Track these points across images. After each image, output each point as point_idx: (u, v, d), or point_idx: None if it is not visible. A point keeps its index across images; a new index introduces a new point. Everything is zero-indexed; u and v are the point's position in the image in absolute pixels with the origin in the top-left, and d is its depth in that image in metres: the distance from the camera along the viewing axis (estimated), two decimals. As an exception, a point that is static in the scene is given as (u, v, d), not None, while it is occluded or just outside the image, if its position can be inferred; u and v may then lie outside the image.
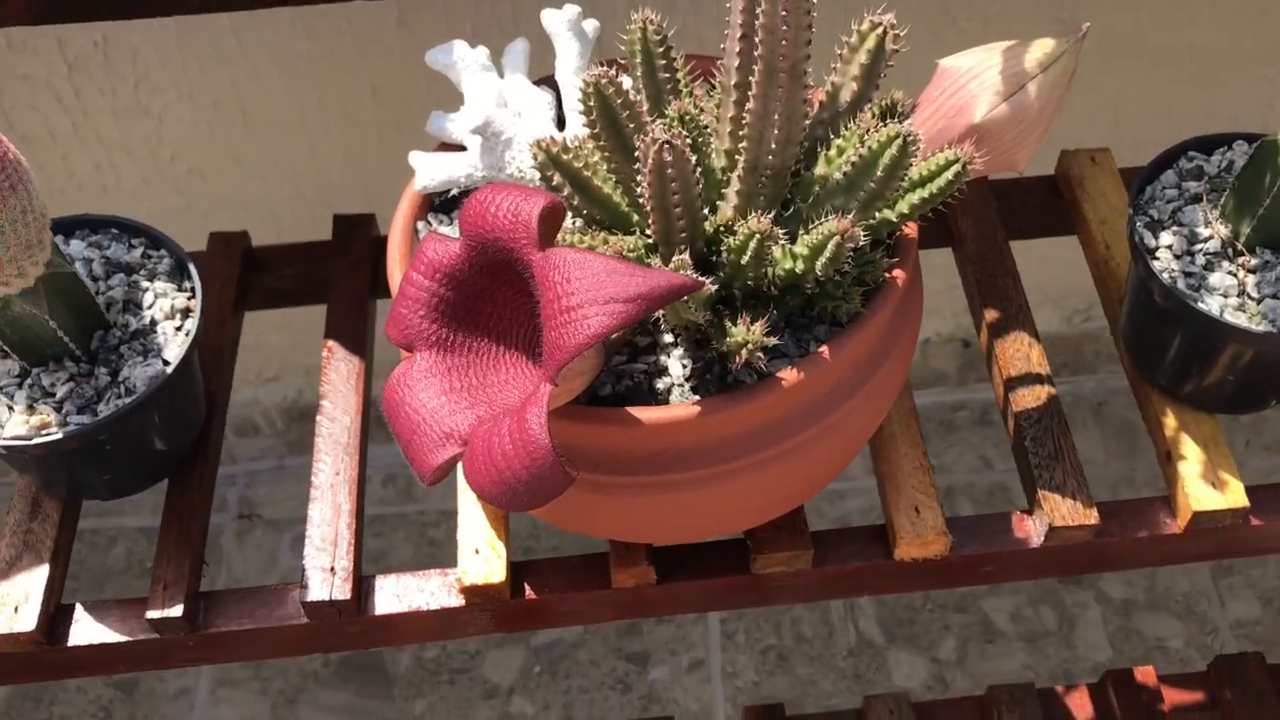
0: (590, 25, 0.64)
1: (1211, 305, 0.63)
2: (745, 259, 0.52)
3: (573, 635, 1.32)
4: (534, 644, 1.32)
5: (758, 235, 0.51)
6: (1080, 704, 0.83)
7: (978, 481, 1.41)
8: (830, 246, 0.51)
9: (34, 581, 0.65)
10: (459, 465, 0.52)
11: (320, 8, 1.00)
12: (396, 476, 1.44)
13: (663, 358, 0.57)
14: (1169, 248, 0.65)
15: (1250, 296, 0.63)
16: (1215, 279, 0.63)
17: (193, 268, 0.65)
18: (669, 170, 0.50)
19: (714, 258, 0.55)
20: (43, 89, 1.05)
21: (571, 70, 0.64)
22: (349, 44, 1.05)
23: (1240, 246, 0.64)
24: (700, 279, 0.49)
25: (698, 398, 0.55)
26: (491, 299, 0.55)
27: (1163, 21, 1.06)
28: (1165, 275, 0.64)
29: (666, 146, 0.50)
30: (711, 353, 0.57)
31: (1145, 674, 0.82)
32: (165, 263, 0.66)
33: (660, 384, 0.57)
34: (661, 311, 0.53)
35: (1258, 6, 1.07)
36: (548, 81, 0.67)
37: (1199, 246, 0.65)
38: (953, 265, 0.85)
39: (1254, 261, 0.63)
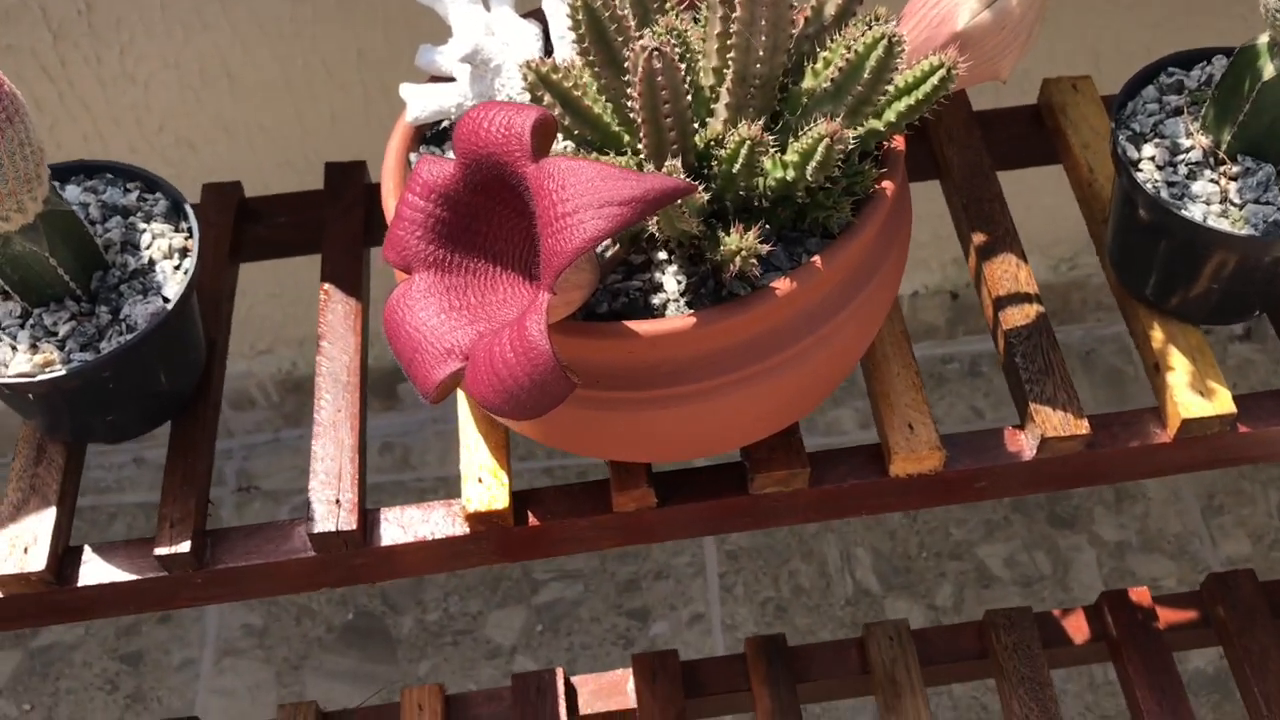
0: (575, -45, 0.65)
1: (1195, 212, 0.64)
2: (737, 167, 0.53)
3: (573, 593, 1.34)
4: (535, 603, 1.33)
5: (748, 142, 0.52)
6: (1077, 626, 0.84)
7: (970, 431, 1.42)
8: (820, 150, 0.52)
9: (42, 523, 0.65)
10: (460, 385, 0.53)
11: (304, -31, 1.01)
12: (393, 445, 1.45)
13: (657, 274, 0.58)
14: (1151, 159, 0.66)
15: (1233, 203, 0.64)
16: (1198, 187, 0.64)
17: (189, 208, 0.66)
18: (659, 78, 0.51)
19: (705, 171, 0.56)
20: (28, 58, 1.05)
21: (558, -1, 0.64)
22: (333, 6, 1.05)
23: (1222, 155, 0.65)
24: (693, 183, 0.50)
25: (693, 311, 0.56)
26: (487, 219, 0.56)
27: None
28: (1149, 185, 0.65)
29: (655, 54, 0.50)
30: (705, 267, 0.58)
31: (1140, 594, 0.83)
32: (161, 205, 0.67)
33: (656, 300, 0.57)
34: (655, 221, 0.54)
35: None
36: (534, 16, 0.68)
37: (1181, 157, 0.66)
38: (939, 215, 0.86)
39: (1235, 169, 0.64)
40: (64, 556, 0.66)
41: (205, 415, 0.69)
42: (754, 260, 0.53)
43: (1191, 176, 0.65)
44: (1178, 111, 0.68)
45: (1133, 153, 0.66)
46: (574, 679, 0.84)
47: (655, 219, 0.54)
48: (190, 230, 0.66)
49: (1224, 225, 0.63)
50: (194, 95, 1.11)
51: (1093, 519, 1.36)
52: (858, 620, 1.30)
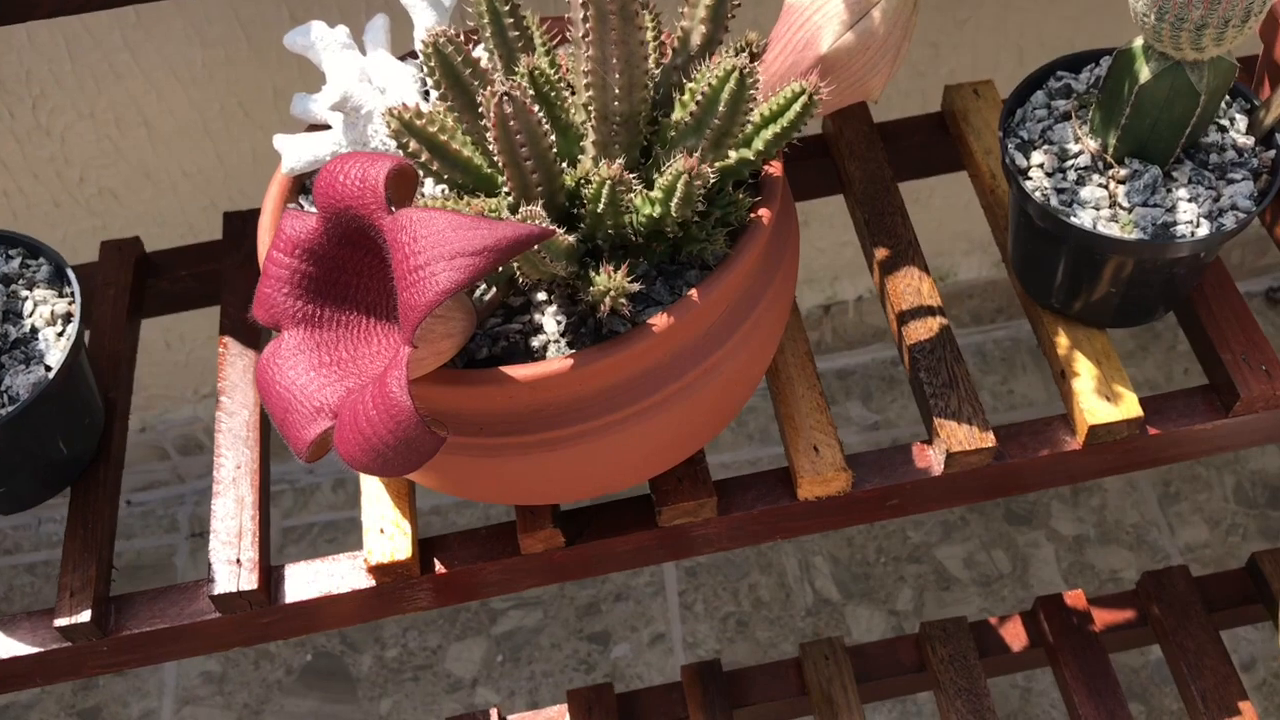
0: (446, -5, 0.64)
1: (1085, 219, 0.63)
2: (601, 206, 0.53)
3: (533, 621, 1.33)
4: (495, 633, 1.32)
5: (609, 181, 0.51)
6: (1014, 633, 0.84)
7: (923, 434, 1.42)
8: (680, 186, 0.51)
9: (-61, 601, 0.64)
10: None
11: (213, 12, 1.00)
12: (346, 481, 1.44)
13: (537, 315, 0.57)
14: (1040, 166, 0.65)
15: (1121, 206, 0.63)
16: (1086, 193, 0.64)
17: (70, 272, 0.65)
18: (511, 122, 0.50)
19: (576, 210, 0.55)
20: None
21: (430, 41, 0.63)
22: (244, 48, 1.05)
23: (1109, 159, 0.64)
24: (549, 227, 0.49)
25: (572, 352, 0.55)
26: (355, 271, 0.55)
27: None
28: (1038, 194, 0.64)
29: (506, 98, 0.50)
30: (584, 307, 0.57)
31: (1074, 597, 0.83)
32: (44, 270, 0.66)
33: (536, 342, 0.57)
34: (518, 266, 0.53)
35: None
36: (413, 55, 0.67)
37: (1069, 162, 0.65)
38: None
39: (1123, 172, 0.64)
40: (-33, 631, 0.65)
41: (106, 477, 0.68)
42: (624, 300, 0.52)
43: (1080, 182, 0.64)
44: (1066, 116, 0.67)
45: (1021, 161, 0.66)
46: (510, 717, 0.83)
47: (517, 264, 0.53)
48: (73, 294, 0.65)
49: (1114, 230, 0.62)
50: (112, 145, 1.10)
51: (1050, 514, 1.36)
52: (819, 630, 1.29)
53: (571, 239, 0.53)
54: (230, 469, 0.68)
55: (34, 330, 0.63)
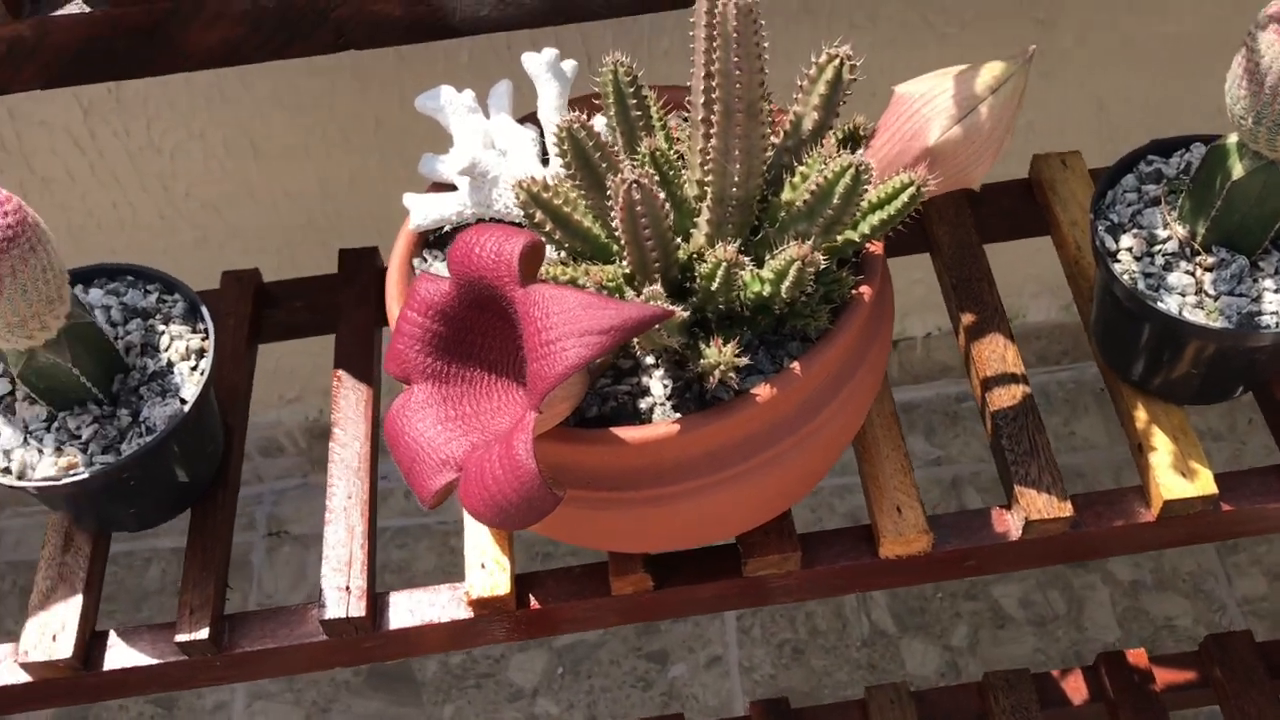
0: (569, 65, 0.68)
1: (1170, 304, 0.66)
2: (715, 285, 0.56)
3: (594, 636, 1.36)
4: (556, 646, 1.36)
5: (725, 263, 0.55)
6: (1075, 687, 0.86)
7: (983, 470, 1.44)
8: (793, 271, 0.54)
9: (69, 610, 0.69)
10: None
11: (320, 45, 1.05)
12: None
13: (645, 379, 0.61)
14: (1129, 250, 0.68)
15: (1207, 294, 0.66)
16: (1173, 279, 0.66)
17: (205, 310, 0.69)
18: (638, 207, 0.54)
19: (688, 283, 0.59)
20: (61, 134, 1.09)
21: (552, 109, 0.67)
22: (349, 79, 1.09)
23: (1197, 246, 0.67)
24: (670, 309, 0.53)
25: (678, 416, 0.59)
26: (482, 332, 0.59)
27: (1139, 16, 1.09)
28: (1126, 277, 0.67)
29: (635, 185, 0.53)
30: (691, 372, 0.60)
31: (1137, 656, 0.85)
32: (179, 306, 0.70)
33: (643, 404, 0.60)
34: (637, 341, 0.57)
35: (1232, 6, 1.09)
36: (531, 119, 0.71)
37: (1158, 248, 0.68)
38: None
39: (1210, 260, 0.66)
40: (90, 642, 0.70)
41: (223, 501, 0.73)
42: (732, 373, 0.55)
43: (1168, 268, 0.67)
44: (1155, 201, 0.69)
45: (1111, 244, 0.68)
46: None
47: (636, 339, 0.57)
48: (206, 331, 0.69)
49: (1199, 317, 0.65)
50: (218, 164, 1.15)
51: (1107, 558, 1.37)
52: (874, 662, 1.32)
53: (685, 315, 0.56)
54: (342, 498, 0.72)
55: (170, 364, 0.67)
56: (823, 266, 0.55)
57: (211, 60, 0.70)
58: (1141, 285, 0.67)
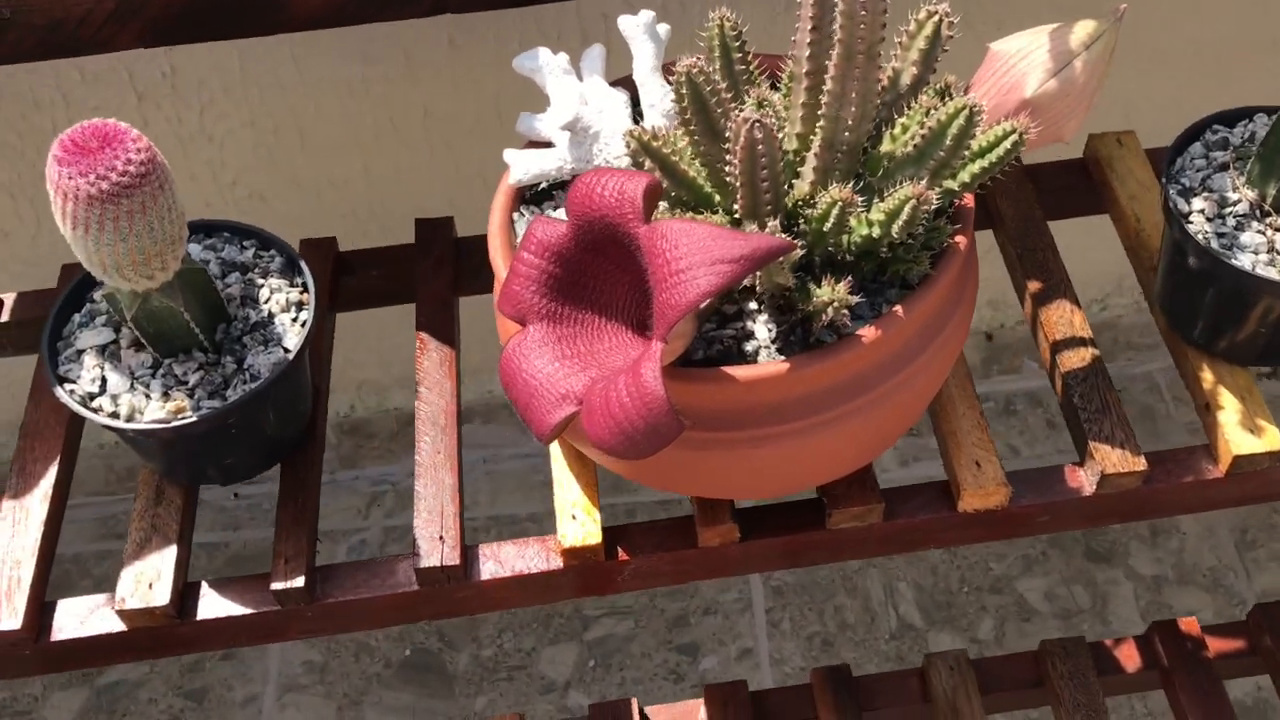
0: (663, 28, 0.70)
1: (1244, 261, 0.68)
2: (828, 225, 0.58)
3: (624, 629, 1.37)
4: (587, 639, 1.37)
5: (840, 203, 0.57)
6: (1129, 655, 0.88)
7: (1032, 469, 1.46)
8: (907, 210, 0.56)
9: (164, 560, 0.70)
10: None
11: (377, 32, 1.07)
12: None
13: (749, 323, 0.63)
14: (1201, 212, 0.70)
15: (1279, 252, 0.68)
16: (1246, 238, 0.69)
17: (303, 264, 0.71)
18: (759, 146, 0.56)
19: (794, 229, 0.61)
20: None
21: (648, 69, 0.69)
22: (402, 67, 1.11)
23: (1267, 207, 0.69)
24: (793, 240, 0.55)
25: (784, 357, 0.61)
26: (595, 275, 0.61)
27: (1167, 18, 1.13)
28: (1200, 236, 0.69)
29: (757, 124, 0.55)
30: (794, 317, 0.62)
31: (1189, 624, 0.87)
32: (277, 261, 0.72)
33: (748, 347, 0.62)
34: (757, 275, 0.59)
35: (1257, 1, 1.13)
36: (621, 84, 0.73)
37: (1229, 210, 0.70)
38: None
39: (1280, 221, 0.69)
40: (184, 591, 0.71)
41: (313, 457, 0.74)
42: (845, 310, 0.57)
43: (1239, 228, 0.69)
44: (1224, 167, 0.72)
45: (1183, 206, 0.71)
46: (648, 709, 0.88)
47: (758, 274, 0.58)
48: (305, 285, 0.70)
49: (1272, 274, 0.67)
50: (267, 152, 1.17)
51: (1129, 553, 1.40)
52: (902, 654, 1.34)
53: (802, 251, 0.58)
54: (430, 453, 0.73)
55: (270, 315, 0.69)
56: (934, 205, 0.57)
57: (314, 21, 0.71)
58: (1215, 244, 0.69)
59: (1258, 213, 0.70)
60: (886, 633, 1.36)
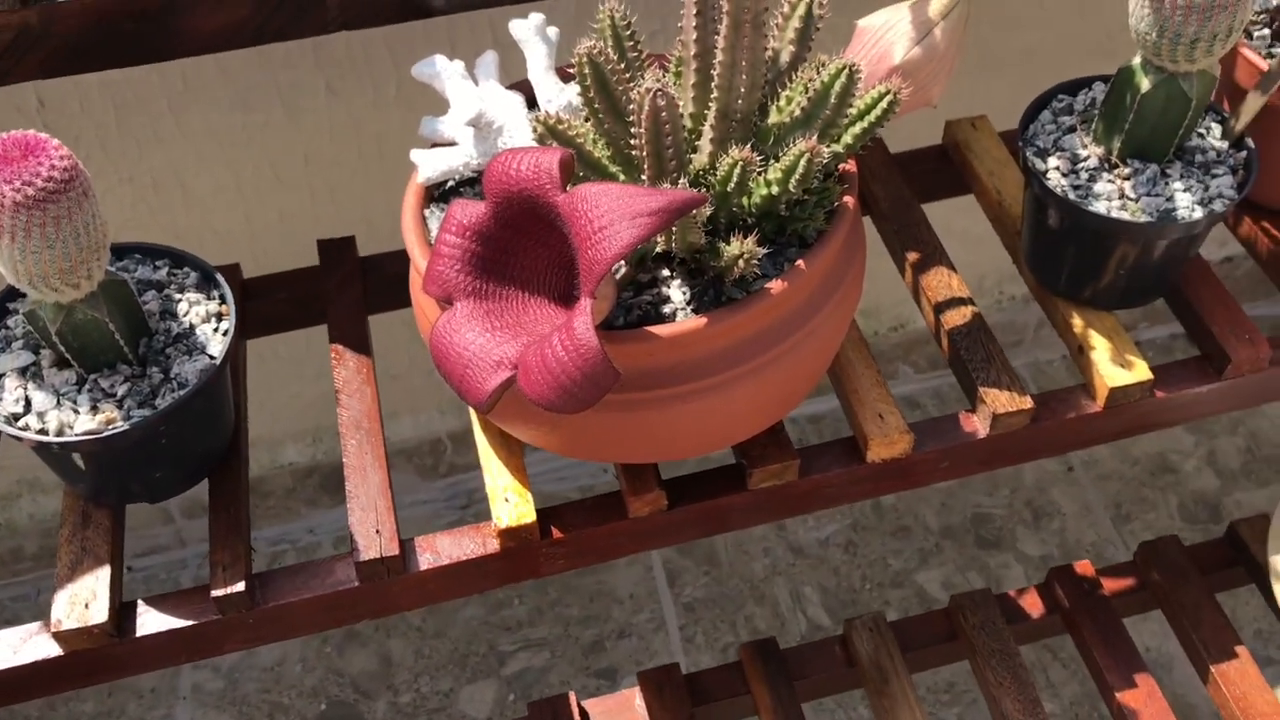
0: (553, 31, 0.74)
1: (1100, 208, 0.75)
2: (731, 185, 0.62)
3: (541, 660, 1.38)
4: (505, 674, 1.37)
5: (740, 162, 0.61)
6: (1032, 603, 0.93)
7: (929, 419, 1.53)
8: (802, 164, 0.61)
9: (98, 580, 0.70)
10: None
11: (255, 80, 1.09)
12: (346, 538, 1.49)
13: (664, 289, 0.67)
14: (1057, 169, 0.77)
15: (1129, 198, 0.75)
16: (1099, 187, 0.76)
17: (219, 277, 0.72)
18: (663, 114, 0.60)
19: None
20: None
21: (543, 69, 0.73)
22: (281, 115, 1.13)
23: (1114, 159, 0.76)
24: (705, 194, 0.59)
25: (703, 313, 0.65)
26: (516, 252, 0.64)
27: (999, 28, 1.22)
28: (1059, 190, 0.76)
29: (659, 93, 0.60)
30: (706, 279, 0.66)
31: (1083, 567, 0.93)
32: (192, 277, 0.73)
33: (665, 310, 0.66)
34: (671, 236, 0.63)
35: (1077, 12, 1.23)
36: (515, 88, 0.77)
37: (1080, 165, 0.77)
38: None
39: (1127, 170, 0.76)
40: (121, 610, 0.70)
41: (239, 470, 0.75)
42: (755, 261, 0.62)
43: (1092, 180, 0.76)
44: (1071, 129, 0.79)
45: (1040, 165, 0.78)
46: (585, 703, 0.90)
47: (673, 232, 0.62)
48: (223, 296, 0.72)
49: (1126, 216, 0.74)
50: (147, 207, 1.17)
51: (1016, 537, 1.47)
52: (814, 654, 1.37)
53: (711, 209, 0.62)
54: (356, 454, 0.75)
55: (191, 326, 0.70)
56: (825, 159, 0.62)
57: (214, 45, 0.74)
58: (1072, 196, 0.76)
59: (1106, 165, 0.77)
60: (798, 635, 1.40)
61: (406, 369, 1.38)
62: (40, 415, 0.66)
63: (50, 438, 0.65)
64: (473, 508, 1.50)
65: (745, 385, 0.66)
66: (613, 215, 0.57)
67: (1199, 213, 0.74)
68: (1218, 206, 0.74)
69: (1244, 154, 0.77)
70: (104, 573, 0.70)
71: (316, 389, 1.38)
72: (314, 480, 1.47)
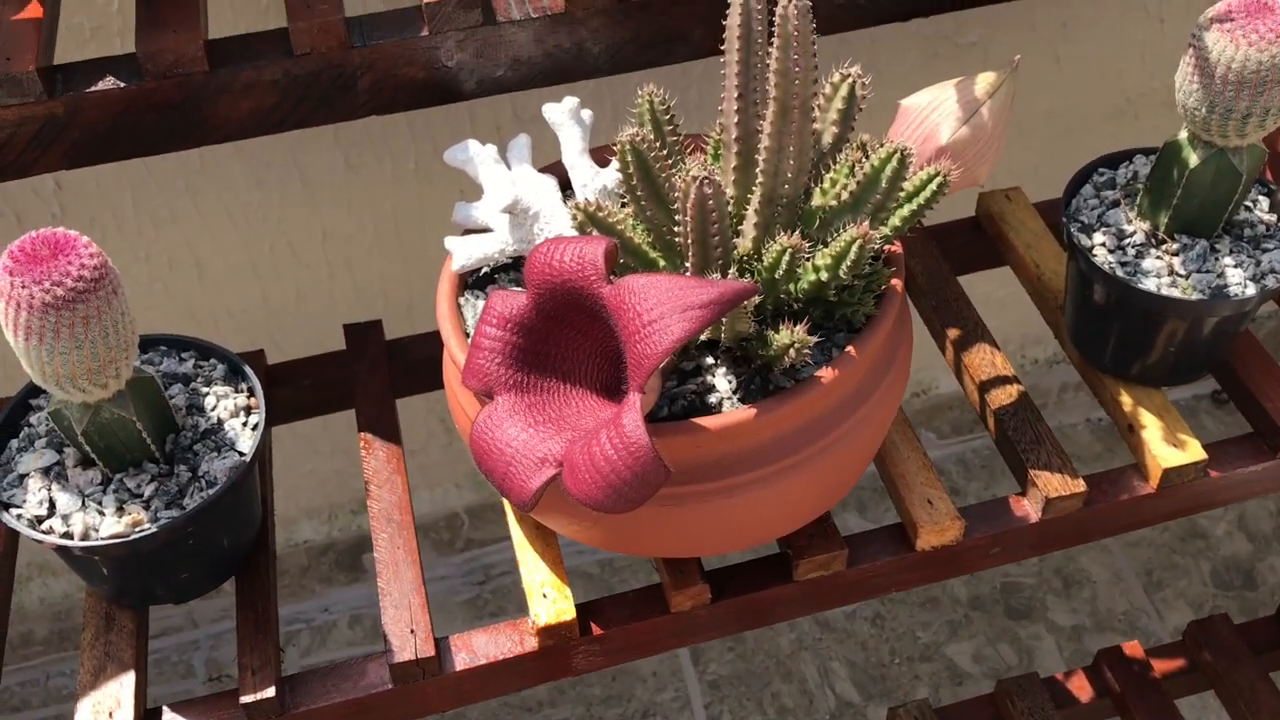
0: (587, 114, 0.73)
1: (1150, 285, 0.73)
2: (780, 273, 0.60)
3: (563, 742, 1.34)
4: (527, 757, 1.33)
5: (790, 249, 0.60)
6: (1080, 686, 0.90)
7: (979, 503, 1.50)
8: (853, 250, 0.59)
9: (123, 688, 0.67)
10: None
11: (274, 158, 1.07)
12: (362, 617, 1.46)
13: (709, 377, 0.64)
14: (1103, 245, 0.75)
15: (1179, 274, 0.73)
16: (1147, 264, 0.74)
17: (248, 368, 0.70)
18: (709, 202, 0.58)
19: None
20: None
21: (577, 152, 0.72)
22: (298, 191, 1.11)
23: (1161, 235, 0.75)
24: (756, 284, 0.57)
25: (750, 404, 0.62)
26: (557, 343, 0.62)
27: (1020, 94, 1.21)
28: (1106, 267, 0.74)
29: (705, 182, 0.58)
30: (751, 368, 0.64)
31: (1132, 648, 0.90)
32: (219, 369, 0.71)
33: (711, 399, 0.64)
34: (721, 326, 0.61)
35: (1097, 76, 1.23)
36: (548, 170, 0.75)
37: (1127, 240, 0.75)
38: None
39: (1175, 246, 0.74)
40: (146, 718, 0.67)
41: (266, 566, 0.72)
42: (806, 350, 0.60)
43: (1140, 256, 0.75)
44: (1115, 204, 0.78)
45: (1085, 241, 0.76)
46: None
47: (722, 322, 0.60)
48: (251, 389, 0.70)
49: (1177, 293, 0.72)
50: (162, 286, 1.15)
51: (1046, 607, 1.44)
52: (844, 732, 1.34)
53: (760, 298, 0.61)
54: (389, 549, 0.72)
55: (220, 421, 0.68)
56: (876, 245, 0.60)
57: (241, 131, 0.72)
58: (1120, 272, 0.74)
59: (1153, 241, 0.75)
60: (826, 713, 1.36)
61: (424, 443, 1.35)
62: (65, 518, 0.63)
63: (75, 542, 0.62)
64: (490, 583, 1.47)
65: (795, 477, 0.64)
66: (663, 308, 0.55)
67: (1252, 289, 0.72)
68: (1270, 282, 0.73)
69: (1294, 227, 0.76)
70: (128, 679, 0.67)
71: (331, 466, 1.36)
72: (329, 558, 1.44)
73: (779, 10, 0.57)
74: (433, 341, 0.86)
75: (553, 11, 0.72)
